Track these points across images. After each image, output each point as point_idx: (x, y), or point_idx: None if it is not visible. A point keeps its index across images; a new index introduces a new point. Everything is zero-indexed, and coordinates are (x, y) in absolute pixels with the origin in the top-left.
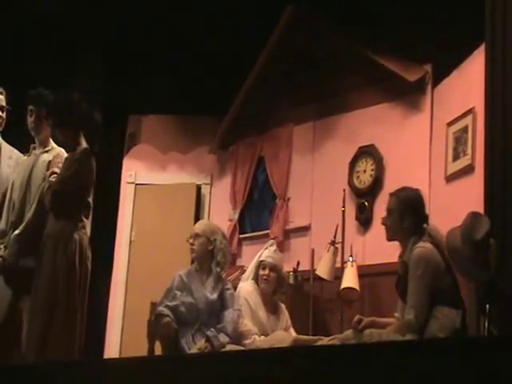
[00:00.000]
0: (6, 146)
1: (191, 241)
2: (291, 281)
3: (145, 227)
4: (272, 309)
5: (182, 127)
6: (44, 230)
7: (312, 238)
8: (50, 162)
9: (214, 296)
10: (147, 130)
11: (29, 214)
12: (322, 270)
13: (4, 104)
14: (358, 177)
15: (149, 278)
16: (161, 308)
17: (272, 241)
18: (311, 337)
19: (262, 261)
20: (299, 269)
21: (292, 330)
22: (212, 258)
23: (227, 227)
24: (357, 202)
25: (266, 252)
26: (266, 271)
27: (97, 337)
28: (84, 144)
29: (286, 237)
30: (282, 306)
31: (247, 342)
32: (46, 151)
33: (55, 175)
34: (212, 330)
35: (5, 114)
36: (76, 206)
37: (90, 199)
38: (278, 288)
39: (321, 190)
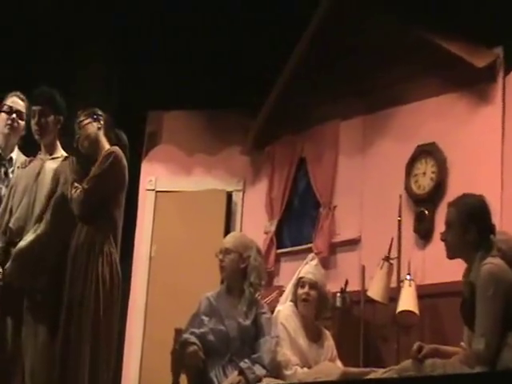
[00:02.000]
0: (21, 157)
1: (220, 257)
2: (338, 303)
3: (167, 241)
4: (314, 336)
5: (210, 124)
6: (54, 247)
7: (362, 253)
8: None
9: (247, 322)
10: (169, 129)
11: (41, 226)
12: (375, 291)
13: (23, 110)
14: (416, 181)
15: (172, 300)
16: (187, 335)
17: (313, 254)
18: (362, 369)
19: (300, 278)
20: (348, 289)
21: (338, 361)
22: (244, 278)
23: (262, 241)
24: (415, 210)
25: (306, 267)
26: (306, 289)
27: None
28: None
29: (332, 252)
30: (326, 332)
31: (288, 373)
32: (54, 158)
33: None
34: (246, 361)
35: (23, 121)
36: (107, 212)
37: (118, 212)
38: (321, 310)
39: (372, 196)
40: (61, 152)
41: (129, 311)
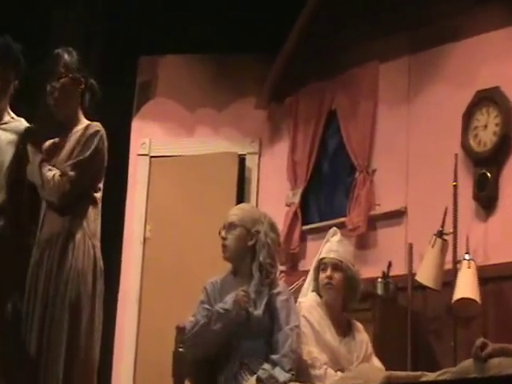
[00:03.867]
0: None
1: (223, 234)
2: (379, 291)
3: (164, 219)
4: (343, 329)
5: (217, 72)
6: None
7: (409, 228)
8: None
9: (258, 311)
10: (166, 78)
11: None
12: (425, 275)
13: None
14: (475, 135)
15: (172, 291)
16: (194, 319)
17: (334, 229)
18: (410, 372)
19: (321, 259)
20: (391, 273)
21: (375, 359)
22: (253, 258)
23: (284, 215)
24: (475, 172)
25: (327, 245)
26: (328, 271)
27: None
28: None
29: (371, 227)
30: (358, 324)
31: (316, 373)
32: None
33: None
34: (264, 367)
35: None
36: (86, 197)
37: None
38: (350, 298)
39: (421, 156)
40: (11, 114)
41: (119, 305)
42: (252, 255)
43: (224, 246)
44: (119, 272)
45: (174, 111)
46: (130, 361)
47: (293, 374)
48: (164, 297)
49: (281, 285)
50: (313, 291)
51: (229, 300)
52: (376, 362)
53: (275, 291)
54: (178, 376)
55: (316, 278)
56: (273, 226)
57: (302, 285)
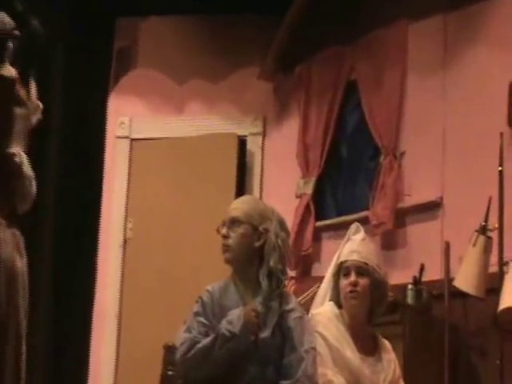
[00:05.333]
0: None
1: (224, 231)
2: (410, 299)
3: (149, 215)
4: (368, 347)
5: (212, 37)
6: None
7: (445, 223)
8: None
9: (267, 333)
10: (149, 44)
11: None
12: (465, 280)
13: None
14: None
15: (159, 303)
16: (188, 335)
17: (357, 225)
18: None
19: (341, 263)
20: (424, 278)
21: None
22: (260, 263)
23: (294, 209)
24: None
25: (348, 245)
26: (352, 277)
27: None
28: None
29: (400, 223)
30: (385, 342)
31: None
32: None
33: None
34: None
35: None
36: None
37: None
38: (376, 308)
39: (459, 136)
40: None
41: (95, 321)
42: (259, 259)
43: (225, 246)
44: (94, 281)
45: (159, 84)
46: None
47: None
48: (149, 310)
49: (292, 299)
50: (331, 300)
51: (235, 319)
52: None
53: (287, 308)
54: None
55: (335, 286)
56: (283, 224)
57: (314, 294)
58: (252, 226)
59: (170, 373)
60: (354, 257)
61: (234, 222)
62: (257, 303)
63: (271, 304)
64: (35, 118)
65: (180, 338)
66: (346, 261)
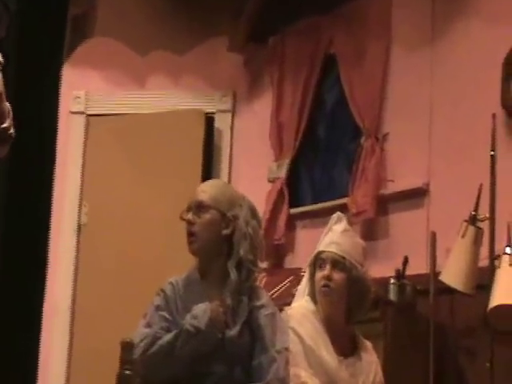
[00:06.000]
0: None
1: (189, 217)
2: (392, 295)
3: (106, 199)
4: (346, 347)
5: (176, 2)
6: None
7: (432, 212)
8: None
9: (234, 331)
10: (108, 10)
11: None
12: (453, 274)
13: None
14: None
15: (116, 295)
16: (148, 330)
17: (339, 214)
18: None
19: (318, 253)
20: (408, 272)
21: None
22: (229, 253)
23: (266, 194)
24: None
25: (328, 236)
26: (326, 270)
27: None
28: None
29: (382, 211)
30: (366, 342)
31: None
32: None
33: None
34: None
35: None
36: None
37: None
38: (356, 307)
39: (448, 117)
40: None
41: (45, 315)
42: (227, 249)
43: (191, 234)
44: (45, 270)
45: (118, 55)
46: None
47: None
48: (105, 302)
49: (263, 294)
50: (309, 295)
51: (200, 314)
52: None
53: (258, 303)
54: None
55: (311, 278)
56: (254, 212)
57: (289, 288)
58: (220, 211)
59: (127, 372)
60: (332, 248)
61: (200, 207)
62: (224, 297)
63: (240, 298)
64: None
65: (139, 333)
66: (322, 251)
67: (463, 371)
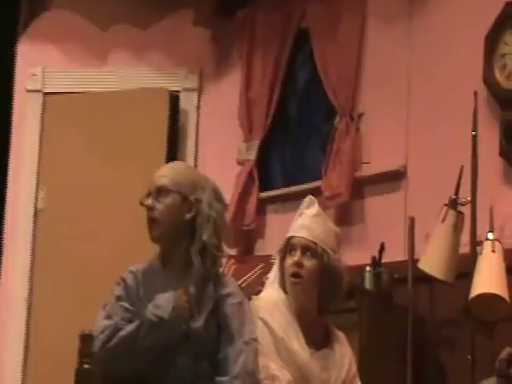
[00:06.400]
0: None
1: (149, 202)
2: (368, 284)
3: (64, 182)
4: (318, 339)
5: None
6: None
7: (410, 196)
8: None
9: (199, 323)
10: None
11: None
12: (432, 262)
13: None
14: (503, 66)
15: (74, 284)
16: (108, 322)
17: (310, 198)
18: None
19: (289, 239)
20: (385, 259)
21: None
22: (192, 238)
23: (235, 176)
24: (502, 118)
25: (299, 221)
26: (296, 257)
27: None
28: None
29: (357, 194)
30: (339, 334)
31: None
32: None
33: None
34: None
35: None
36: None
37: None
38: (328, 296)
39: (427, 95)
40: None
41: (0, 308)
42: (190, 234)
43: (151, 220)
44: None
45: (77, 30)
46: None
47: None
48: (63, 292)
49: (231, 282)
50: (280, 283)
51: (163, 304)
52: None
53: (224, 292)
54: None
55: (281, 265)
56: (218, 194)
57: (259, 276)
58: (182, 195)
59: (86, 366)
60: (302, 234)
61: (160, 192)
62: (188, 286)
63: (205, 287)
64: None
65: (99, 325)
66: (293, 237)
67: (443, 364)
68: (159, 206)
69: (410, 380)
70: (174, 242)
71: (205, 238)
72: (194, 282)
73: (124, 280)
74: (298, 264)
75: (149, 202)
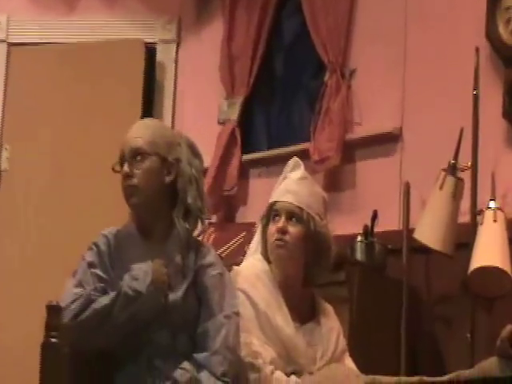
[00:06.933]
0: None
1: (125, 168)
2: (359, 255)
3: (30, 141)
4: (304, 312)
5: None
6: None
7: (405, 160)
8: None
9: (177, 294)
10: None
11: None
12: (429, 231)
13: None
14: (507, 20)
15: (40, 251)
16: (81, 291)
17: (296, 160)
18: (404, 377)
19: (272, 204)
20: (377, 229)
21: (350, 361)
22: (172, 203)
23: (215, 137)
24: (506, 76)
25: (284, 185)
26: (280, 223)
27: None
28: None
29: (348, 158)
30: (327, 306)
31: (257, 376)
32: None
33: None
34: (185, 366)
35: None
36: None
37: None
38: (314, 266)
39: (424, 50)
40: None
41: None
42: (170, 197)
43: (130, 188)
44: None
45: None
46: None
47: (228, 383)
48: (28, 260)
49: (211, 252)
50: (262, 253)
51: (141, 275)
52: (350, 363)
53: (204, 262)
54: (50, 380)
55: (263, 233)
56: (194, 149)
57: (241, 245)
58: (160, 157)
59: (53, 340)
60: (287, 198)
61: (136, 156)
62: (172, 254)
63: (188, 255)
64: None
65: (69, 293)
66: (276, 202)
67: (440, 342)
68: (137, 172)
69: (404, 359)
70: (155, 208)
71: (189, 200)
72: (179, 250)
73: (96, 245)
74: (283, 230)
75: (125, 169)
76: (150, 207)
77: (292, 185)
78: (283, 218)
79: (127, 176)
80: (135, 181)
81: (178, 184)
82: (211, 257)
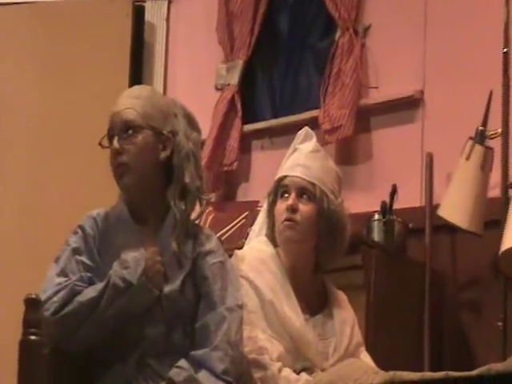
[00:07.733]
0: None
1: (115, 144)
2: (376, 235)
3: (6, 113)
4: (315, 301)
5: None
6: None
7: (427, 127)
8: None
9: (174, 286)
10: None
11: None
12: (455, 208)
13: None
14: None
15: (21, 239)
16: (64, 281)
17: (307, 129)
18: (428, 373)
19: (280, 179)
20: (396, 205)
21: (366, 355)
22: (167, 183)
23: (212, 105)
24: None
25: (294, 158)
26: (290, 200)
27: None
28: None
29: (363, 126)
30: (340, 295)
31: (263, 374)
32: None
33: None
34: (181, 364)
35: None
36: None
37: None
38: (328, 249)
39: (447, 3)
40: None
41: None
42: (165, 175)
43: (122, 166)
44: None
45: None
46: None
47: (230, 382)
48: (6, 250)
49: (210, 237)
50: (267, 235)
51: (132, 264)
52: (366, 358)
53: (204, 249)
54: (29, 381)
55: (270, 212)
56: (191, 120)
57: (243, 227)
58: (154, 130)
59: (32, 337)
60: (297, 173)
61: (127, 129)
62: (168, 241)
63: (186, 241)
64: None
65: (51, 283)
66: (285, 177)
67: (467, 331)
68: (129, 148)
69: (428, 352)
70: (148, 189)
71: (187, 179)
72: (176, 236)
73: (82, 228)
74: (293, 208)
75: (115, 144)
76: (143, 188)
77: (303, 158)
78: (293, 195)
79: (117, 153)
80: (126, 158)
81: (173, 160)
82: (211, 243)
